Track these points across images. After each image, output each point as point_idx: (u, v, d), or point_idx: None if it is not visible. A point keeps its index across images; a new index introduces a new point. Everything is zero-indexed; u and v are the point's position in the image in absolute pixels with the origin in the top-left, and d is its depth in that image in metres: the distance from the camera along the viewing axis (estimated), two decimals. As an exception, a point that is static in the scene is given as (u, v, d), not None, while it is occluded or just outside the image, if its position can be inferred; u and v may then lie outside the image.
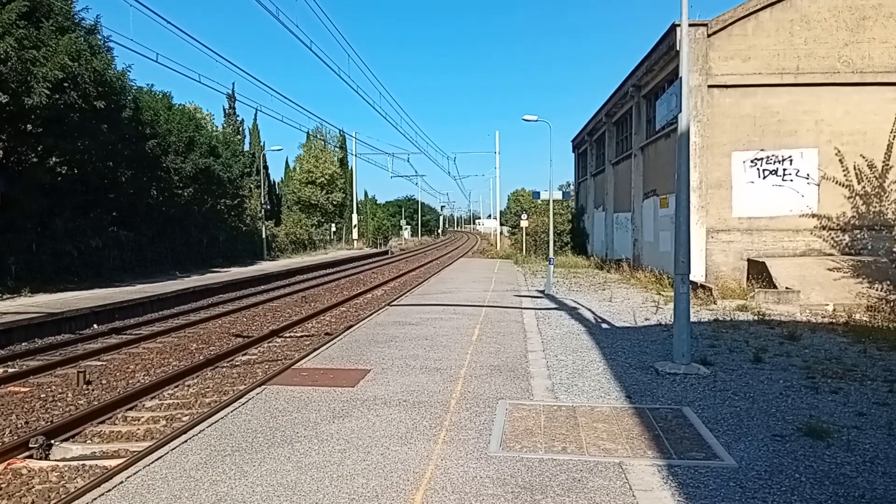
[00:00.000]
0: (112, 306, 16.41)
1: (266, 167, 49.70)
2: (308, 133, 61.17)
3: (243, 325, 15.80)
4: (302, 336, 14.02)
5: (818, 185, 18.37)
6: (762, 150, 18.42)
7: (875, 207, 18.16)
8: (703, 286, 16.54)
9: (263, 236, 41.42)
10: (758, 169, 18.49)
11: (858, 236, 18.26)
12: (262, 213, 42.94)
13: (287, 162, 70.15)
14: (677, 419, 6.38)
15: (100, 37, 21.18)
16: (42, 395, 9.07)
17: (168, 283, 22.59)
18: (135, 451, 6.45)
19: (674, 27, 18.84)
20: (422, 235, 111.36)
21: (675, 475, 4.93)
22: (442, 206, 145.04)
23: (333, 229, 61.76)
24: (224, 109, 51.72)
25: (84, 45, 19.15)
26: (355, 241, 60.71)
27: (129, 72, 23.04)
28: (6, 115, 18.10)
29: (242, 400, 7.22)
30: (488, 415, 6.51)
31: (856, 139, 18.14)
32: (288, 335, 14.08)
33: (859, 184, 18.19)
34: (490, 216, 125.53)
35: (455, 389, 7.54)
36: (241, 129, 51.70)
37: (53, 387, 9.58)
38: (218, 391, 9.31)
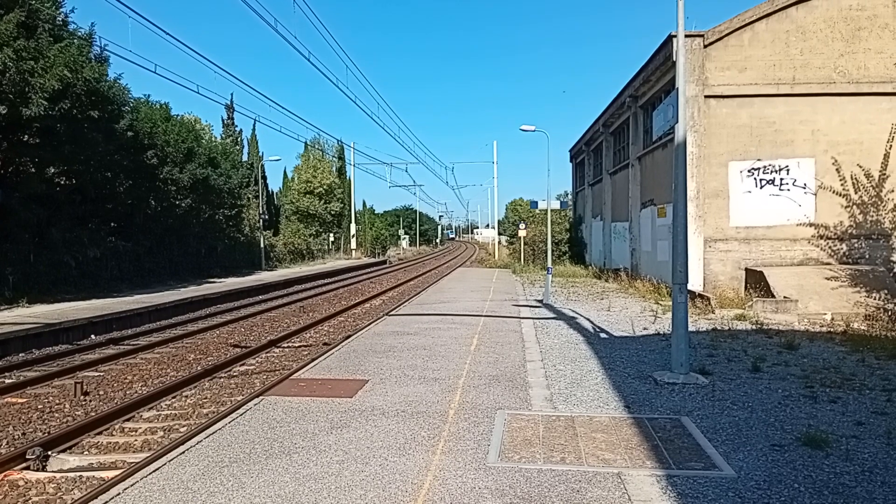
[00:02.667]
0: (110, 317, 16.38)
1: (264, 177, 49.80)
2: (306, 143, 61.29)
3: (241, 335, 15.77)
4: (300, 346, 14.00)
5: (815, 195, 18.43)
6: (759, 159, 18.49)
7: (872, 216, 18.22)
8: (701, 295, 16.55)
9: (261, 246, 41.40)
10: (755, 178, 18.55)
11: (856, 245, 18.30)
12: (261, 223, 42.94)
13: (285, 172, 70.39)
14: (676, 429, 6.37)
15: (96, 46, 21.22)
16: (39, 406, 9.04)
17: (166, 293, 22.55)
18: (132, 463, 6.43)
19: (670, 38, 18.95)
20: (420, 245, 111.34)
21: (674, 485, 4.92)
22: (440, 216, 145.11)
23: (331, 239, 61.75)
24: (223, 120, 51.91)
25: (80, 56, 19.17)
26: (353, 251, 60.70)
27: (121, 79, 23.02)
28: (3, 125, 18.12)
29: (240, 411, 7.20)
30: (487, 425, 6.50)
31: (852, 149, 18.23)
32: (286, 345, 14.06)
33: (856, 193, 18.26)
34: (488, 226, 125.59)
35: (453, 400, 7.53)
36: (239, 139, 51.86)
37: (50, 398, 9.55)
38: (216, 402, 9.28)
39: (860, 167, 18.22)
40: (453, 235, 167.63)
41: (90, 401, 9.42)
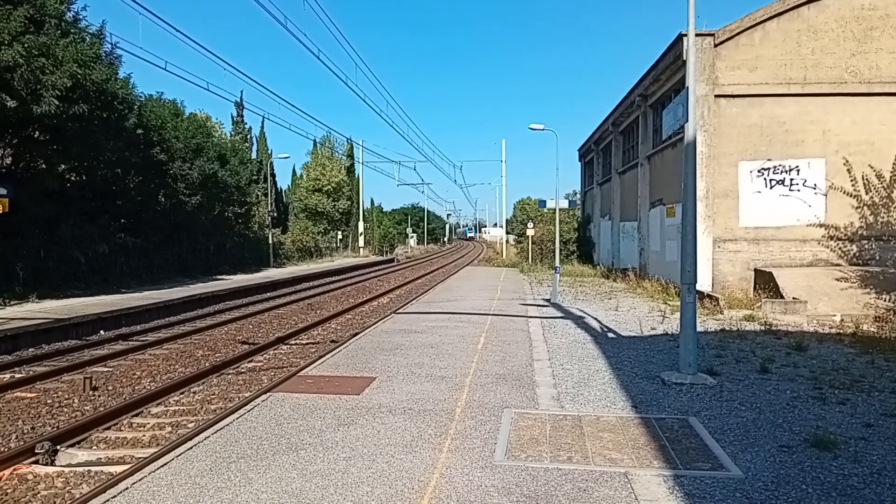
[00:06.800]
0: (119, 312, 16.46)
1: (273, 175, 49.91)
2: (315, 141, 61.37)
3: (249, 332, 15.83)
4: (308, 343, 14.03)
5: (825, 195, 18.31)
6: (769, 159, 18.39)
7: (883, 218, 18.08)
8: (709, 296, 16.48)
9: (270, 243, 41.52)
10: (765, 178, 18.46)
11: (866, 246, 18.17)
12: (269, 220, 43.05)
13: (294, 169, 70.54)
14: (683, 429, 6.35)
15: (107, 43, 21.33)
16: (48, 401, 9.10)
17: (174, 289, 22.66)
18: (140, 458, 6.46)
19: (681, 37, 18.87)
20: (428, 243, 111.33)
21: (681, 486, 4.90)
22: (448, 215, 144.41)
23: (339, 237, 61.87)
24: (232, 117, 52.01)
25: (90, 51, 19.26)
26: (361, 249, 60.81)
27: (130, 78, 23.28)
28: (14, 121, 18.22)
29: (248, 407, 7.23)
30: (493, 423, 6.50)
31: (863, 149, 18.10)
32: (294, 342, 14.09)
33: (867, 194, 18.13)
34: (496, 224, 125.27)
35: (460, 398, 7.53)
36: (248, 136, 51.96)
37: (60, 392, 9.61)
38: (223, 398, 9.32)
39: (871, 168, 18.08)
40: (472, 234, 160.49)
41: (99, 396, 9.48)
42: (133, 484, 4.97)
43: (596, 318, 14.88)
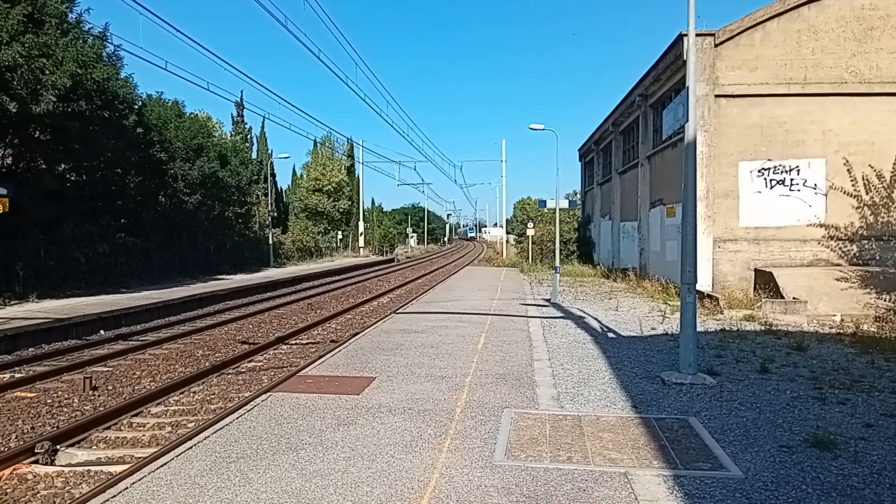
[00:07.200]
0: (119, 312, 16.46)
1: (273, 175, 49.91)
2: (315, 141, 61.38)
3: (249, 331, 15.82)
4: (307, 343, 14.03)
5: (826, 195, 18.30)
6: (769, 159, 18.39)
7: (883, 218, 18.08)
8: (709, 296, 16.48)
9: (270, 243, 41.51)
10: (765, 179, 18.45)
11: (866, 246, 18.17)
12: (270, 220, 43.05)
13: (294, 169, 70.55)
14: (683, 429, 6.34)
15: (109, 45, 21.36)
16: (48, 401, 9.10)
17: (174, 289, 22.65)
18: (140, 458, 6.46)
19: (681, 37, 18.86)
20: (428, 243, 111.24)
21: (681, 486, 4.90)
22: (448, 215, 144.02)
23: (340, 237, 61.88)
24: (232, 117, 51.98)
25: (92, 51, 19.27)
26: (361, 249, 60.80)
27: (132, 78, 23.29)
28: (15, 121, 18.22)
29: (248, 407, 7.23)
30: (493, 423, 6.50)
31: (864, 149, 18.09)
32: (293, 342, 14.09)
33: (867, 194, 18.12)
34: (496, 224, 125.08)
35: (460, 398, 7.53)
36: (249, 136, 51.94)
37: (60, 392, 9.61)
38: (223, 398, 9.32)
39: (871, 168, 18.07)
40: (474, 233, 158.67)
41: (99, 396, 9.48)
42: (133, 484, 4.97)
43: (596, 318, 14.88)
